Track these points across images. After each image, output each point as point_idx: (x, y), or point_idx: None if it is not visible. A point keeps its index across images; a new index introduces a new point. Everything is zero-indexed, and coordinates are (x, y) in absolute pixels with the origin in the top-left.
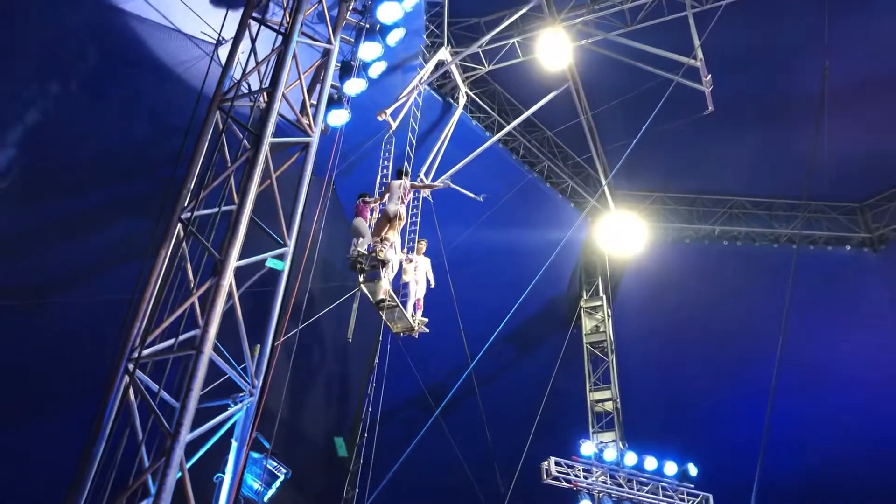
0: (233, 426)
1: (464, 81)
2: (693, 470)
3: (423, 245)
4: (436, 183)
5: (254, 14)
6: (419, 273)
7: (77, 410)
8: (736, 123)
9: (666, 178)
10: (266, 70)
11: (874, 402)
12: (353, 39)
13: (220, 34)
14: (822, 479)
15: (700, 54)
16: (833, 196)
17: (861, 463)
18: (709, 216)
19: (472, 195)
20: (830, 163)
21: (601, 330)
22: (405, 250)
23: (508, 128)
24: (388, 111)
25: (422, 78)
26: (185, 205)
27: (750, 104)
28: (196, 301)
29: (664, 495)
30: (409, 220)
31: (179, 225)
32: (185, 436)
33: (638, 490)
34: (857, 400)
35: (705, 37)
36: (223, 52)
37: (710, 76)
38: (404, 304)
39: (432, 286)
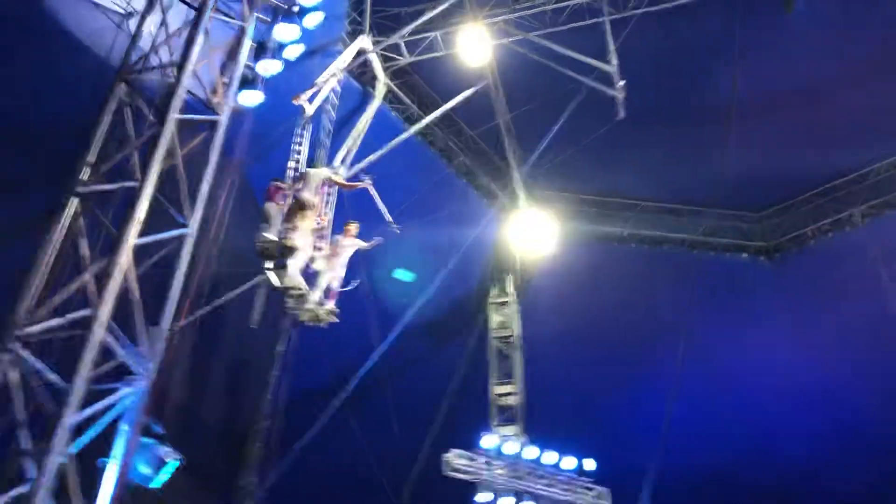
0: (123, 411)
1: (384, 71)
2: (591, 464)
3: (354, 228)
4: (357, 184)
5: None
6: (337, 261)
7: None
8: (648, 129)
9: (579, 180)
10: (177, 45)
11: (764, 401)
12: (269, 19)
13: (132, 8)
14: (714, 475)
15: (614, 60)
16: (735, 204)
17: (751, 459)
18: (618, 219)
19: (389, 218)
20: (735, 172)
21: (508, 326)
22: (322, 238)
23: (426, 120)
24: (305, 96)
25: (341, 65)
26: (84, 179)
27: (662, 111)
28: (92, 280)
29: (562, 489)
30: (323, 209)
31: (76, 199)
32: (70, 418)
33: (536, 483)
34: (749, 400)
35: (620, 42)
36: (134, 23)
37: (623, 82)
38: (313, 292)
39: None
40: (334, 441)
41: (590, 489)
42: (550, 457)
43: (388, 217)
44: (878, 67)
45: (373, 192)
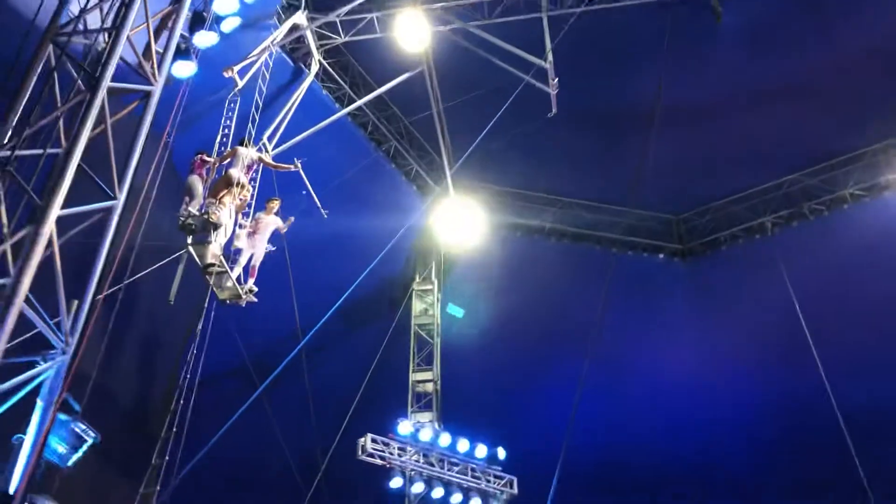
0: (39, 385)
1: (318, 49)
2: (502, 453)
3: (275, 204)
4: (287, 165)
5: None
6: (258, 238)
7: None
8: (577, 127)
9: (506, 172)
10: (109, 8)
11: (669, 397)
12: None
13: None
14: (615, 465)
15: (550, 57)
16: (655, 206)
17: (652, 450)
18: (541, 213)
19: (318, 203)
20: (656, 174)
21: (430, 313)
22: (244, 215)
23: (359, 102)
24: (236, 69)
25: (274, 39)
26: (4, 142)
27: (591, 110)
28: (8, 248)
29: (472, 476)
30: (248, 186)
31: None
32: None
33: (448, 470)
34: (654, 394)
35: (557, 41)
36: None
37: (556, 79)
38: (234, 270)
39: (282, 231)
40: (247, 424)
41: (500, 477)
42: (463, 444)
43: (318, 202)
44: (797, 83)
45: (303, 174)
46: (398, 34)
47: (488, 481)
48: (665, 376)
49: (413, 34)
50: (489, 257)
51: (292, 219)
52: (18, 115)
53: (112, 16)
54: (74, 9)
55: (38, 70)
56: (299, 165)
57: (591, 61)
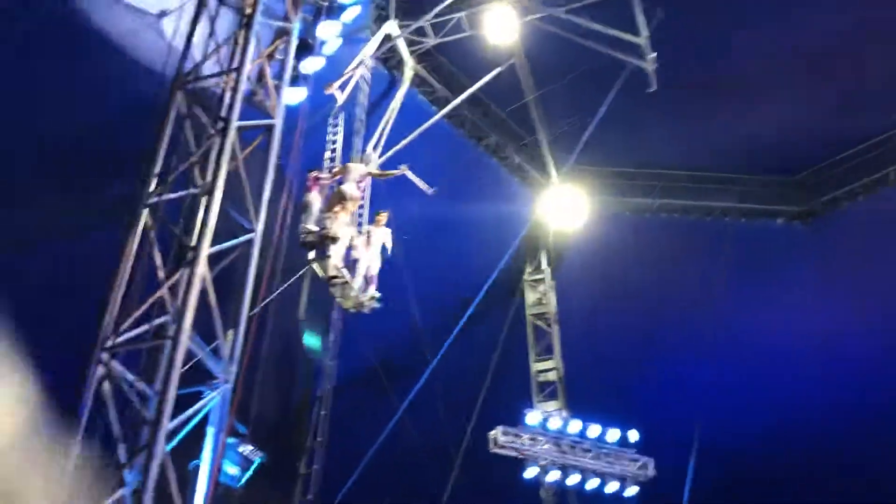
0: (208, 412)
1: (410, 55)
2: (634, 436)
3: (383, 217)
4: (394, 172)
5: None
6: (373, 248)
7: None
8: (677, 98)
9: (609, 153)
10: (226, 50)
11: (799, 369)
12: (310, 17)
13: (166, 8)
14: (751, 442)
15: (645, 32)
16: (767, 170)
17: (788, 427)
18: (648, 190)
19: (424, 186)
20: (765, 137)
21: (544, 302)
22: (357, 226)
23: (454, 103)
24: (336, 85)
25: (368, 52)
26: (151, 190)
27: (690, 79)
28: (166, 290)
29: (606, 461)
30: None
31: (146, 210)
32: (167, 424)
33: (582, 457)
34: (784, 368)
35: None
36: (166, 22)
37: (654, 54)
38: (354, 280)
39: (388, 251)
40: (379, 424)
41: (635, 460)
42: (594, 430)
43: (426, 187)
44: None
45: (411, 176)
46: (487, 30)
47: (623, 465)
48: (797, 348)
49: (502, 28)
50: (600, 239)
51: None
52: (159, 163)
53: (229, 58)
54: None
55: (172, 117)
56: (406, 170)
57: (688, 29)
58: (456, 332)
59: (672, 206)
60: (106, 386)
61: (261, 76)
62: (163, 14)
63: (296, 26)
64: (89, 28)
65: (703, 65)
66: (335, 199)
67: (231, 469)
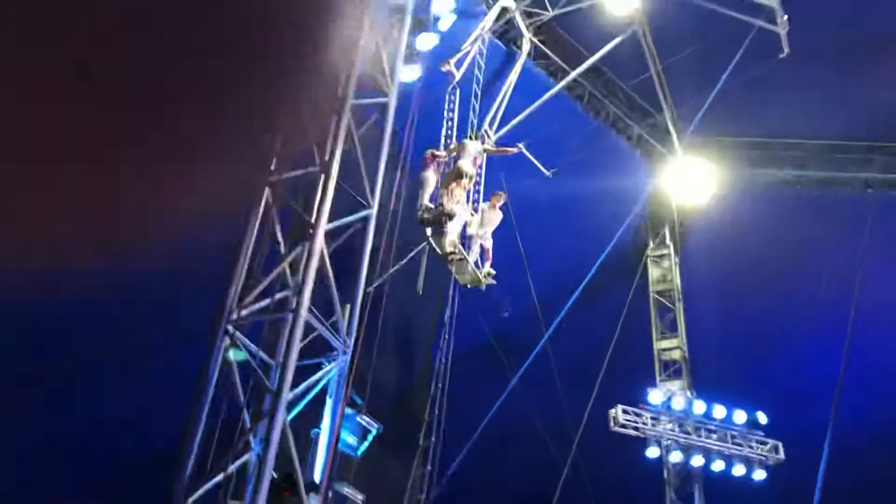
0: (327, 384)
1: (527, 28)
2: (763, 418)
3: (499, 198)
4: (510, 149)
5: None
6: (488, 226)
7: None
8: (811, 63)
9: (735, 123)
10: None
11: None
12: None
13: None
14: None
15: None
16: None
17: None
18: (781, 161)
19: (542, 168)
20: None
21: (668, 279)
22: (472, 203)
23: (573, 74)
24: (452, 61)
25: (485, 26)
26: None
27: (827, 43)
28: (286, 265)
29: (733, 443)
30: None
31: (268, 188)
32: (287, 394)
33: (706, 438)
34: None
35: None
36: None
37: (786, 17)
38: (470, 256)
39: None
40: (496, 400)
41: (763, 443)
42: (720, 411)
43: (544, 170)
44: None
45: (527, 154)
46: None
47: (751, 447)
48: None
49: None
50: (728, 214)
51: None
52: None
53: None
54: None
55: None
56: (523, 148)
57: None
58: (570, 303)
59: (808, 179)
60: (231, 357)
61: (376, 55)
62: None
63: (410, 4)
64: None
65: (840, 26)
66: (451, 176)
67: (349, 438)
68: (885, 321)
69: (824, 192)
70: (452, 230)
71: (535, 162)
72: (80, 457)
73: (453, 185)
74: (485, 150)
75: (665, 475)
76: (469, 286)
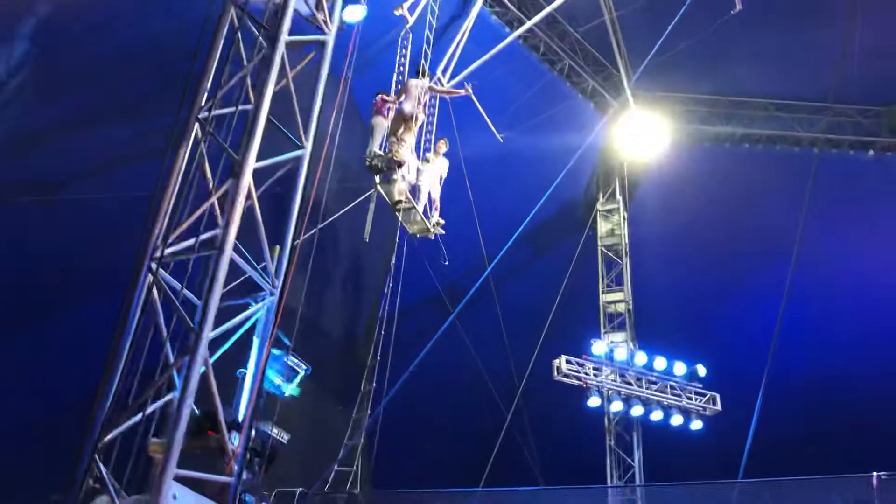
0: (254, 324)
1: None
2: (702, 370)
3: (443, 146)
4: (457, 90)
5: None
6: (435, 174)
7: (98, 305)
8: (762, 22)
9: (688, 79)
10: None
11: (883, 307)
12: None
13: None
14: (830, 381)
15: None
16: (859, 99)
17: (865, 365)
18: (730, 118)
19: (492, 128)
20: (857, 64)
21: (616, 233)
22: (421, 151)
23: (529, 24)
24: (406, 5)
25: None
26: (202, 104)
27: (779, 3)
28: (215, 201)
29: (672, 394)
30: (426, 121)
31: (197, 125)
32: (208, 333)
33: (647, 388)
34: (867, 305)
35: None
36: None
37: None
38: (419, 204)
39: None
40: (443, 349)
41: (701, 394)
42: (661, 363)
43: (492, 126)
44: None
45: (473, 98)
46: None
47: (689, 398)
48: (882, 285)
49: None
50: (676, 169)
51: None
52: (211, 77)
53: None
54: None
55: (224, 32)
56: (469, 89)
57: None
58: (510, 243)
59: (755, 136)
60: (154, 295)
61: None
62: None
63: None
64: None
65: None
66: (398, 120)
67: (277, 379)
68: (823, 277)
69: (770, 150)
70: (402, 178)
71: (483, 114)
72: (5, 400)
73: (401, 129)
74: (430, 88)
75: (606, 423)
76: (418, 235)
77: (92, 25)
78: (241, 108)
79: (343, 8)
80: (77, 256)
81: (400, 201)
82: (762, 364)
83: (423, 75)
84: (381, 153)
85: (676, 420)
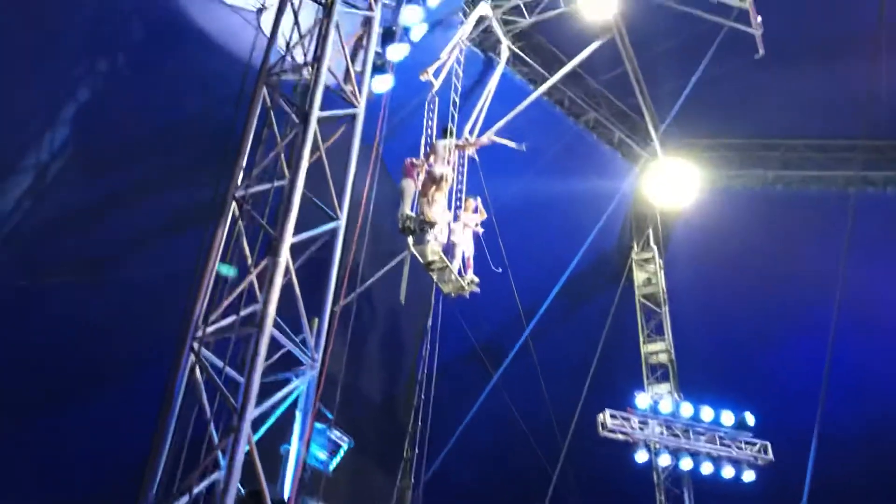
0: (296, 398)
1: (505, 35)
2: (750, 419)
3: (472, 203)
4: (480, 140)
5: None
6: (467, 232)
7: (141, 381)
8: (788, 63)
9: (716, 124)
10: (309, 40)
11: None
12: (393, 3)
13: (263, 3)
14: (884, 425)
15: None
16: (892, 134)
17: None
18: (761, 161)
19: (513, 145)
20: (889, 99)
21: (653, 282)
22: (454, 210)
23: (552, 80)
24: (431, 70)
25: (463, 35)
26: (239, 183)
27: (802, 43)
28: (254, 279)
29: (721, 444)
30: (455, 179)
31: (234, 203)
32: (252, 411)
33: (695, 440)
34: None
35: None
36: (264, 18)
37: (760, 18)
38: (453, 263)
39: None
40: (484, 408)
41: (752, 443)
42: (707, 413)
43: (512, 144)
44: None
45: (497, 139)
46: (584, 4)
47: (739, 448)
48: None
49: (599, 1)
50: (710, 214)
51: (480, 217)
52: (246, 155)
53: (312, 49)
54: (280, 44)
55: (258, 111)
56: (492, 136)
57: None
58: (548, 301)
59: (788, 178)
60: (197, 375)
61: (345, 68)
62: (261, 10)
63: (377, 14)
64: (192, 28)
65: (815, 23)
66: (428, 181)
67: (320, 454)
68: (868, 319)
69: (804, 191)
70: (433, 238)
71: (507, 142)
72: (50, 475)
73: (432, 190)
74: (456, 146)
75: (655, 479)
76: (453, 295)
77: (130, 107)
78: (276, 184)
79: (371, 79)
80: (121, 330)
81: (433, 261)
82: (813, 409)
83: (451, 136)
84: (413, 215)
85: (728, 472)
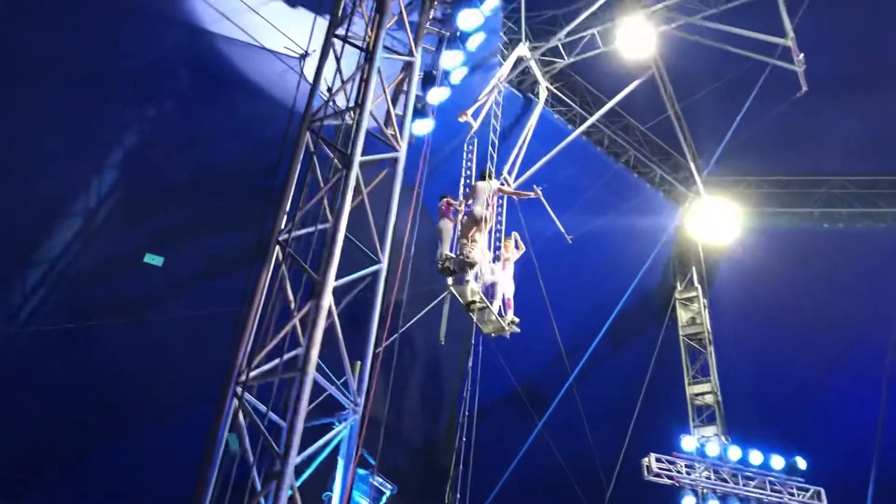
0: (338, 443)
1: (544, 76)
2: (802, 463)
3: (511, 242)
4: (527, 193)
5: (337, 32)
6: (507, 272)
7: (184, 422)
8: (832, 100)
9: (759, 162)
10: (352, 85)
11: None
12: (433, 48)
13: (307, 49)
14: None
15: (791, 34)
16: None
17: None
18: (806, 198)
19: (562, 229)
20: None
21: (697, 322)
22: (492, 250)
23: (591, 120)
24: (469, 112)
25: (501, 76)
26: (282, 227)
27: (846, 79)
28: (297, 323)
29: (772, 490)
30: (494, 220)
31: (278, 247)
32: (295, 457)
33: (744, 485)
34: None
35: (798, 18)
36: (307, 64)
37: (802, 55)
38: (493, 304)
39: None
40: (527, 452)
41: (804, 489)
42: (756, 456)
43: (562, 228)
44: None
45: (543, 201)
46: (621, 44)
47: (791, 494)
48: None
49: (637, 41)
50: (755, 252)
51: (520, 252)
52: (290, 199)
53: (354, 94)
54: (323, 88)
55: (301, 155)
56: (539, 192)
57: (837, 26)
58: (595, 344)
59: (835, 215)
60: (241, 419)
61: (386, 111)
62: (304, 56)
63: (417, 59)
64: (237, 74)
65: (858, 58)
66: (469, 223)
67: (363, 500)
68: None
69: (851, 228)
70: (474, 278)
71: (553, 216)
72: None
73: (472, 231)
74: (499, 190)
75: None
76: (493, 335)
77: (175, 152)
78: (319, 227)
79: (412, 122)
80: (165, 371)
81: (473, 301)
82: (868, 452)
83: (490, 178)
84: (453, 255)
85: None
